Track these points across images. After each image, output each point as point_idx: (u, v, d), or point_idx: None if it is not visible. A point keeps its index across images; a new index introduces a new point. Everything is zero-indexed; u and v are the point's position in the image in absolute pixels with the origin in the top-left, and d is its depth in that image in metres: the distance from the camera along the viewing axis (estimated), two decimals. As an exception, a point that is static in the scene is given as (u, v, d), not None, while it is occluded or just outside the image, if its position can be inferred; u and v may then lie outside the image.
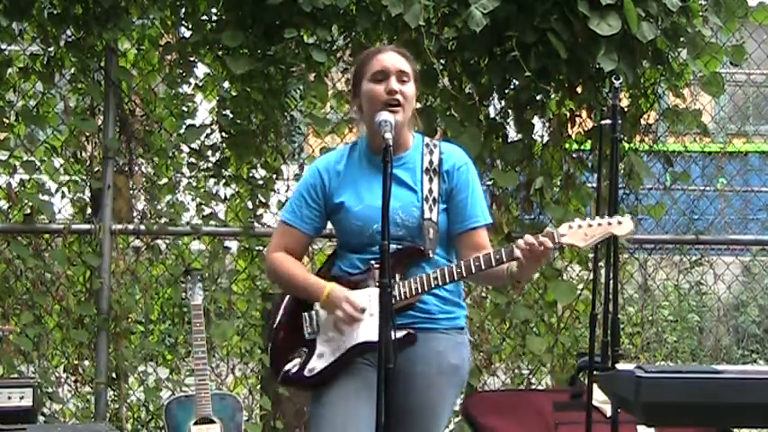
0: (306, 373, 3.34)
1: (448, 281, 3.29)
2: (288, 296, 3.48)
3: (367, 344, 3.24)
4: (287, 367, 3.36)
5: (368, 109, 3.34)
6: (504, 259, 3.26)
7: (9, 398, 4.47)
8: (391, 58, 3.36)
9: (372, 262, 3.30)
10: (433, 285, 3.28)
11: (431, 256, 3.33)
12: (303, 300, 3.40)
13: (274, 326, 3.46)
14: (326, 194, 3.41)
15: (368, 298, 3.28)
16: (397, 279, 3.28)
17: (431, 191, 3.37)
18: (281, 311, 3.47)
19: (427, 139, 3.48)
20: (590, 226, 3.29)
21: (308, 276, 3.39)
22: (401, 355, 3.23)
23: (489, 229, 3.50)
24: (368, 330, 3.23)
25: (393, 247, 3.25)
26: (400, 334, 3.26)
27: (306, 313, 3.37)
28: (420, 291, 3.28)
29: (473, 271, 3.26)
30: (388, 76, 3.32)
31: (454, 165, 3.43)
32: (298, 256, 3.47)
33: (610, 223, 3.31)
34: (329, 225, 3.54)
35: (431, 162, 3.40)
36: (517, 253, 3.22)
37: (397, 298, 3.26)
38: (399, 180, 3.36)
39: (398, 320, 3.25)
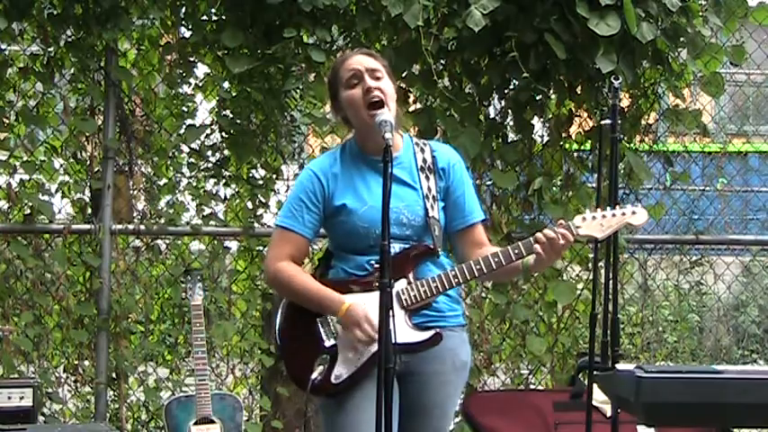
0: (333, 380, 3.29)
1: (468, 278, 3.29)
2: (286, 303, 3.43)
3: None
4: (313, 376, 3.26)
5: (354, 114, 3.34)
6: (524, 253, 3.26)
7: (9, 398, 4.48)
8: (358, 60, 3.36)
9: (375, 263, 3.25)
10: (453, 284, 3.28)
11: (439, 253, 3.34)
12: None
13: (284, 336, 3.40)
14: (326, 197, 3.37)
15: None
16: (411, 278, 3.29)
17: (429, 189, 3.37)
18: (284, 320, 3.41)
19: (415, 139, 3.49)
20: (604, 216, 3.30)
21: (322, 289, 3.32)
22: (417, 354, 3.25)
23: (486, 227, 3.50)
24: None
25: (401, 246, 3.29)
26: (428, 334, 3.28)
27: (319, 320, 3.33)
28: (440, 290, 3.28)
29: (494, 267, 3.26)
30: (361, 78, 3.31)
31: (449, 162, 3.44)
32: (299, 263, 3.42)
33: (624, 213, 3.32)
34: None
35: (424, 160, 3.40)
36: (537, 248, 3.23)
37: (418, 298, 3.27)
38: (399, 179, 3.36)
39: (414, 320, 3.27)
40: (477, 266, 3.26)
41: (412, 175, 3.39)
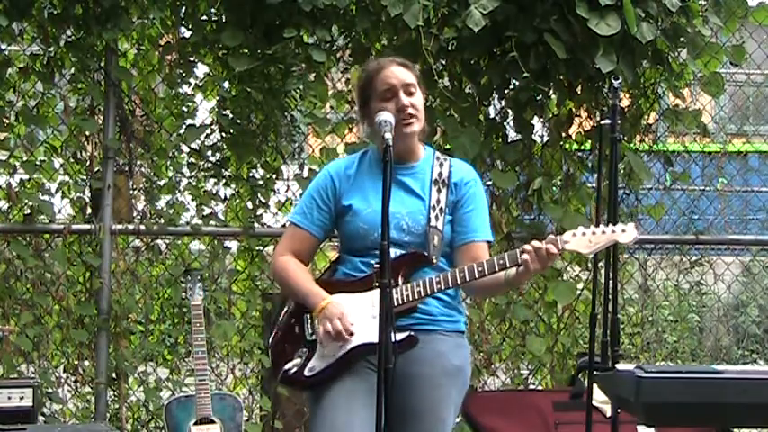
0: (306, 372, 3.33)
1: (451, 285, 3.28)
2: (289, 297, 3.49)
3: (369, 345, 3.22)
4: (287, 366, 3.35)
5: None
6: (508, 264, 3.25)
7: (9, 398, 4.48)
8: (395, 73, 3.37)
9: (375, 263, 3.25)
10: (435, 289, 3.28)
11: (435, 262, 3.34)
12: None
13: (276, 326, 3.47)
14: (336, 197, 3.43)
15: (371, 301, 3.27)
16: (401, 283, 3.28)
17: (438, 201, 3.39)
18: (282, 312, 3.47)
19: (438, 153, 3.51)
20: (594, 233, 3.31)
21: (311, 285, 3.37)
22: (403, 356, 3.22)
23: (489, 247, 3.49)
24: (370, 332, 3.19)
25: (397, 252, 3.29)
26: (401, 336, 3.25)
27: (307, 315, 3.37)
28: (422, 294, 3.28)
29: (476, 275, 3.25)
30: (396, 93, 3.34)
31: (462, 178, 3.46)
32: (305, 260, 3.49)
33: (614, 231, 3.32)
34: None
35: (440, 174, 3.43)
36: (524, 256, 3.23)
37: (400, 301, 3.26)
38: (408, 188, 3.40)
39: (400, 322, 3.24)
40: (461, 274, 3.27)
41: (423, 186, 3.41)
